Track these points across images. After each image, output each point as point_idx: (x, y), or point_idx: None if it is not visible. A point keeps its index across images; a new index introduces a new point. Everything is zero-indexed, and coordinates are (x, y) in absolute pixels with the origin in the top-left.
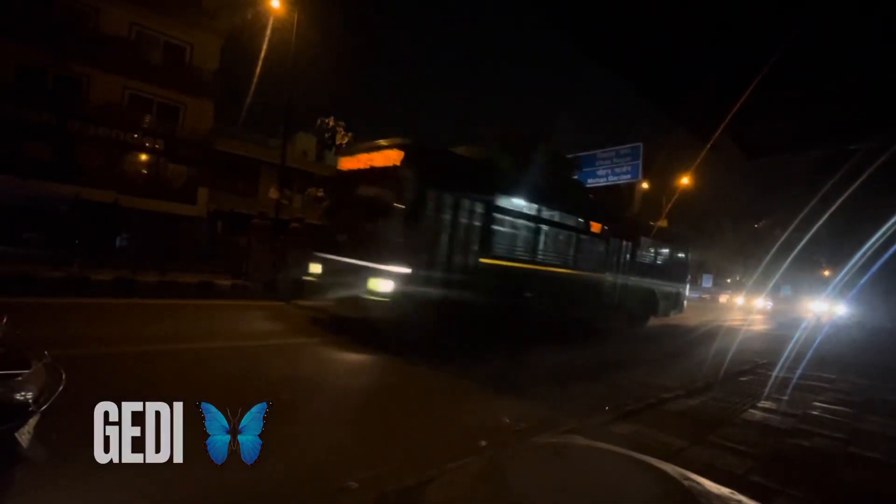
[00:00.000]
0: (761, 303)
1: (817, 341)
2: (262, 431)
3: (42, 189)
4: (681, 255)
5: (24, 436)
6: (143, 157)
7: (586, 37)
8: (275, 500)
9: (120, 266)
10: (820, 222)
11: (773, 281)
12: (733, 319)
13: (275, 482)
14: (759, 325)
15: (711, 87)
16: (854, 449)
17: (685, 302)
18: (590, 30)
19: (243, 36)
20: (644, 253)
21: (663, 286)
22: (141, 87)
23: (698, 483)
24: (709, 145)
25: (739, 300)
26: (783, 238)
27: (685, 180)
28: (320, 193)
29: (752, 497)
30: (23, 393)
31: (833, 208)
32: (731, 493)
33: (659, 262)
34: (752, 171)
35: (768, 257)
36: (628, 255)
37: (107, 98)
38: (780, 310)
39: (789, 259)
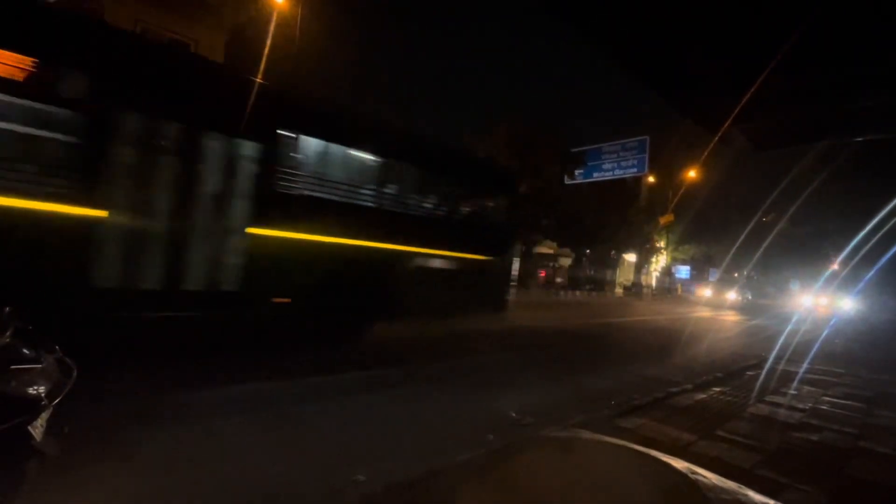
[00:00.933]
0: (734, 296)
1: (822, 336)
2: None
3: None
4: (489, 202)
5: (37, 429)
6: None
7: (593, 29)
8: (285, 492)
9: None
10: (789, 212)
11: (747, 271)
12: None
13: (284, 475)
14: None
15: (719, 78)
16: (864, 443)
17: (507, 293)
18: (597, 21)
19: (247, 32)
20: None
21: (429, 259)
22: None
23: (705, 477)
24: (717, 137)
25: (706, 292)
26: (752, 224)
27: (692, 174)
28: None
29: (759, 491)
30: (35, 387)
31: (798, 199)
32: (739, 486)
33: (415, 204)
34: (760, 163)
35: (735, 246)
36: (256, 171)
37: None
38: (762, 303)
39: (762, 248)
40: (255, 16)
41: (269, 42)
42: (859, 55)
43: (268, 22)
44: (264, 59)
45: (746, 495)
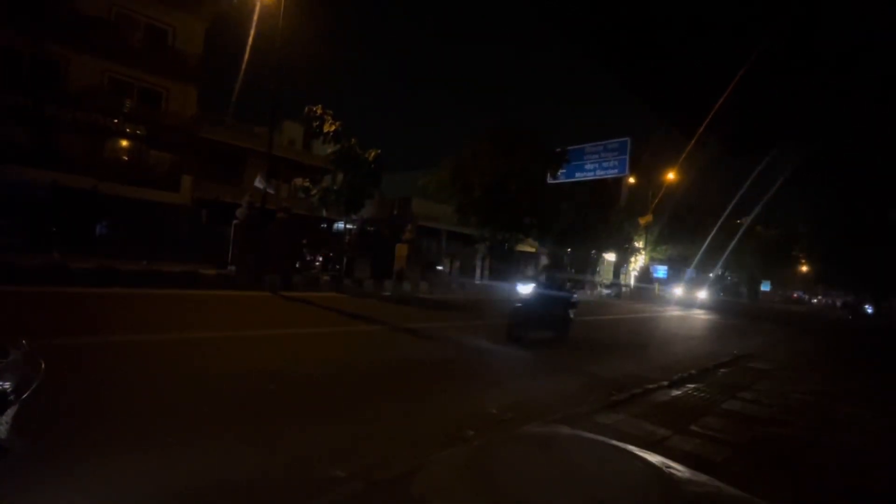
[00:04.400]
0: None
1: None
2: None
3: (18, 174)
4: None
5: (3, 426)
6: (125, 143)
7: (581, 36)
8: (265, 488)
9: (101, 254)
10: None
11: (720, 271)
12: None
13: (265, 471)
14: None
15: (698, 86)
16: (827, 436)
17: None
18: (585, 30)
19: (228, 20)
20: None
21: None
22: (121, 71)
23: (679, 470)
24: (693, 141)
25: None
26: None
27: (671, 176)
28: (307, 183)
29: (730, 483)
30: (0, 383)
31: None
32: (710, 479)
33: None
34: (735, 168)
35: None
36: None
37: (86, 81)
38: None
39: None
40: (236, 3)
41: (252, 31)
42: (824, 66)
43: (250, 10)
44: (248, 48)
45: (717, 487)
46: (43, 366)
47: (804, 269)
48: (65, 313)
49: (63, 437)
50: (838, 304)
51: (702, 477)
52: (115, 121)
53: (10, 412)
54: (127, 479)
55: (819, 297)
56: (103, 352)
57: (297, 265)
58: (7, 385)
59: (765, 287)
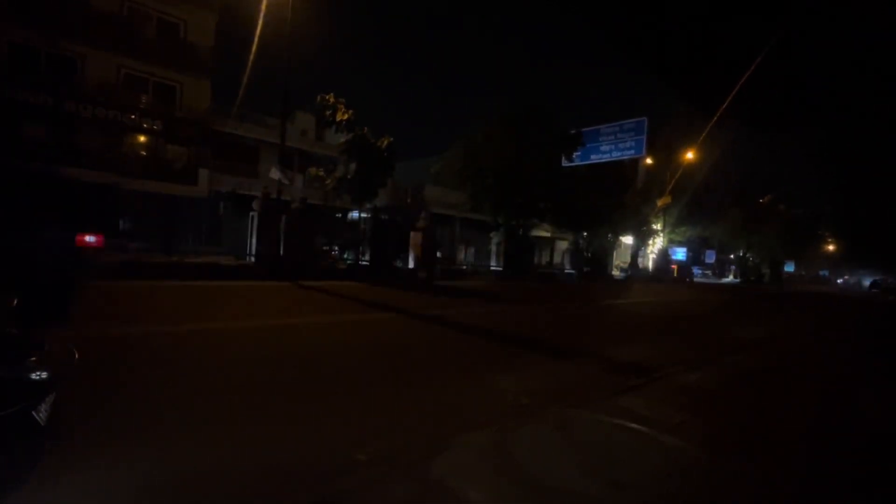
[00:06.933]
0: None
1: None
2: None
3: (44, 172)
4: None
5: (41, 413)
6: (142, 138)
7: (595, 12)
8: (285, 473)
9: (125, 248)
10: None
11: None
12: None
13: (285, 455)
14: None
15: (719, 62)
16: (851, 419)
17: None
18: (606, 11)
19: (238, 12)
20: None
21: None
22: (136, 66)
23: (696, 454)
24: (715, 118)
25: None
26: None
27: (689, 155)
28: (321, 173)
29: (751, 467)
30: (38, 372)
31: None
32: (726, 462)
33: None
34: (756, 146)
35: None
36: None
37: (102, 78)
38: None
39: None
40: None
41: (260, 22)
42: (848, 43)
43: (259, 1)
44: (256, 39)
45: (733, 471)
46: (77, 355)
47: (830, 248)
48: (98, 306)
49: (90, 424)
50: (866, 283)
51: (718, 461)
52: (133, 116)
53: (49, 399)
54: (138, 464)
55: (845, 277)
56: (137, 343)
57: (314, 254)
58: (45, 374)
59: (789, 268)
